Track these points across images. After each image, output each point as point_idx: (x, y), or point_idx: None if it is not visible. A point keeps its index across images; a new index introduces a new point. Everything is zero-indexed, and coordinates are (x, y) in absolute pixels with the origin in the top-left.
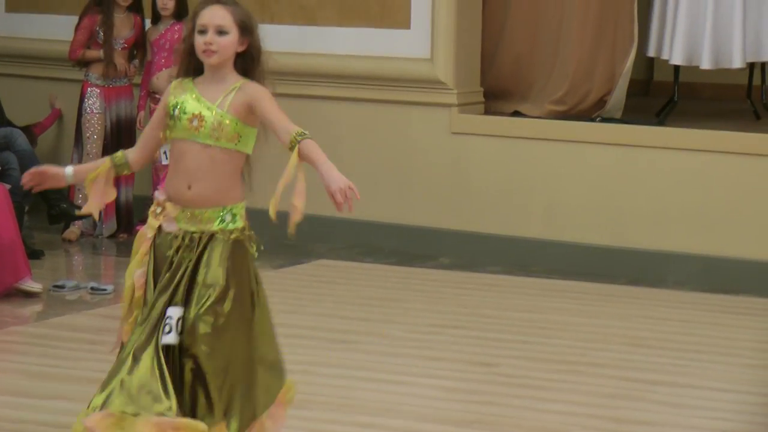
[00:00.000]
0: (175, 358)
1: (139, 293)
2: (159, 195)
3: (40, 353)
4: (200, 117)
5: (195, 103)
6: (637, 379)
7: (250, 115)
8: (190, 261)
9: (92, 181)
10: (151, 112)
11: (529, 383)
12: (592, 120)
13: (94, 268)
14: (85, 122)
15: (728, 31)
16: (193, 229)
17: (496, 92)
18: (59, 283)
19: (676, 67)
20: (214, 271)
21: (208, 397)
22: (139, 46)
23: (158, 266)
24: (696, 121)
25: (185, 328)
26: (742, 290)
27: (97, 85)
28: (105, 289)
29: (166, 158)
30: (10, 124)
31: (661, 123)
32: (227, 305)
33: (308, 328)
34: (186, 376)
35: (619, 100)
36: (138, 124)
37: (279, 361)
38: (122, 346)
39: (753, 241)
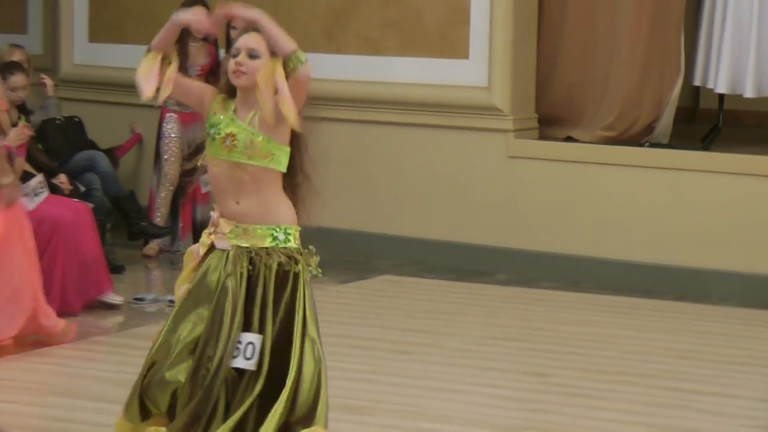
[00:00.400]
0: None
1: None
2: (213, 214)
3: (121, 361)
4: (233, 136)
5: (229, 122)
6: (682, 389)
7: (279, 124)
8: (242, 278)
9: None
10: None
11: (579, 392)
12: (641, 145)
13: (172, 282)
14: (164, 146)
15: None
16: (245, 244)
17: (550, 119)
18: (139, 296)
19: (721, 96)
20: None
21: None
22: (213, 73)
23: (206, 284)
24: (739, 147)
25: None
26: None
27: (174, 111)
28: None
29: (206, 186)
30: (93, 147)
31: (706, 148)
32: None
33: (372, 339)
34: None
35: (667, 126)
36: None
37: None
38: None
39: None
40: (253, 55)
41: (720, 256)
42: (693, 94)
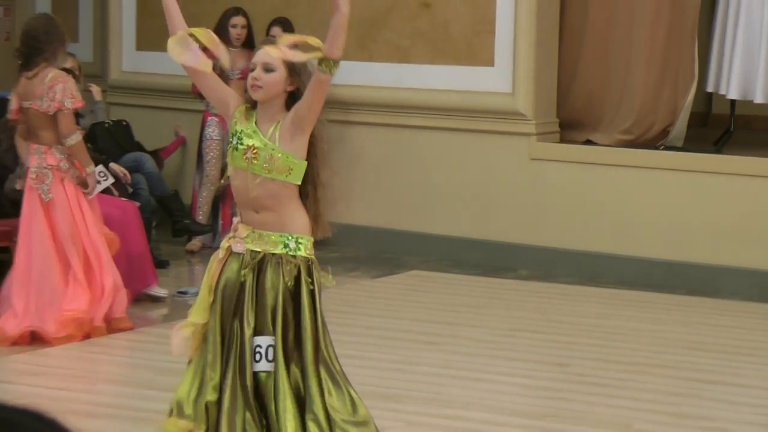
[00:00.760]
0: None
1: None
2: (235, 219)
3: (166, 351)
4: (254, 149)
5: (251, 134)
6: (696, 379)
7: (297, 135)
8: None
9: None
10: None
11: (598, 382)
12: (657, 148)
13: None
14: (206, 148)
15: None
16: (257, 249)
17: (571, 123)
18: (182, 289)
19: (732, 101)
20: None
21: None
22: None
23: (225, 287)
24: (750, 150)
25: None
26: None
27: (216, 115)
28: None
29: None
30: (140, 149)
31: (718, 151)
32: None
33: (402, 331)
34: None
35: (681, 130)
36: None
37: None
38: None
39: None
40: (268, 69)
41: (731, 253)
42: (706, 99)
